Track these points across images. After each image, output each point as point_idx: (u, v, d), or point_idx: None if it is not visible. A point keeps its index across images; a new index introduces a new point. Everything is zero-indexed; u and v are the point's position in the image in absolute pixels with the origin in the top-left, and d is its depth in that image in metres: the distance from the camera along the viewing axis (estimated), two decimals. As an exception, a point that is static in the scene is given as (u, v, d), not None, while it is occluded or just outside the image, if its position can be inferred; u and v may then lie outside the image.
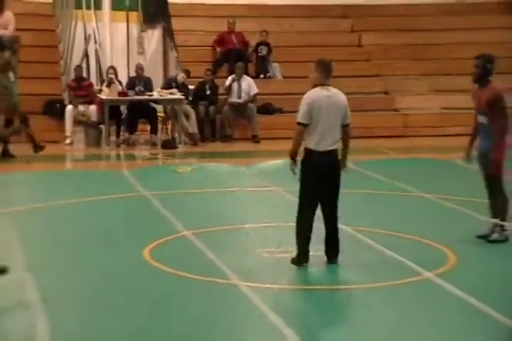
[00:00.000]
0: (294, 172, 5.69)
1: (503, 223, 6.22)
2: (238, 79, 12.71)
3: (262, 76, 13.80)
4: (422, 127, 13.24)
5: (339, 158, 5.76)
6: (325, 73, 5.68)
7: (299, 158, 5.73)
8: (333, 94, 5.69)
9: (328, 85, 5.71)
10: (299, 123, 5.68)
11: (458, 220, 7.34)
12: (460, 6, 15.18)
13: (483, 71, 6.12)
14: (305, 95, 5.73)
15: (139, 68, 12.72)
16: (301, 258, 5.75)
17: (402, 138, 13.06)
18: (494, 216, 6.30)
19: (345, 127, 5.74)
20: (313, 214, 5.72)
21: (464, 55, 14.55)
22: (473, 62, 6.15)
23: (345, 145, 5.83)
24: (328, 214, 5.78)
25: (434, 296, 5.21)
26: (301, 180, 5.72)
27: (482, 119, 6.27)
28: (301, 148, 5.75)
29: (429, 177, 9.73)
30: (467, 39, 14.74)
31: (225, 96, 12.69)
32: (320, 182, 5.67)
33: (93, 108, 12.36)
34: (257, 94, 12.84)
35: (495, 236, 6.25)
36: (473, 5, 15.20)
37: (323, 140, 5.63)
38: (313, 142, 5.65)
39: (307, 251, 5.75)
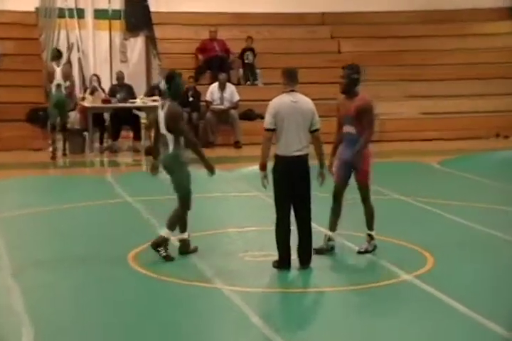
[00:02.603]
0: (265, 186, 5.68)
1: (371, 232, 6.14)
2: (221, 89, 12.77)
3: (248, 83, 13.83)
4: (398, 132, 13.34)
5: (318, 169, 5.76)
6: (289, 80, 5.76)
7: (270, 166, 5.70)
8: (299, 100, 5.72)
9: (294, 91, 5.75)
10: (265, 130, 5.71)
11: (435, 222, 7.40)
12: (436, 13, 15.33)
13: (351, 81, 6.00)
14: (271, 101, 5.78)
15: (120, 76, 12.71)
16: (282, 263, 5.76)
17: (378, 143, 13.12)
18: (331, 228, 6.17)
19: (313, 133, 5.73)
20: (288, 219, 5.73)
21: (439, 61, 14.76)
22: (341, 73, 6.01)
23: (318, 152, 5.75)
24: (300, 220, 5.78)
25: (413, 298, 5.24)
26: (274, 186, 5.73)
27: (349, 129, 6.07)
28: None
29: (406, 180, 9.81)
30: (443, 46, 14.90)
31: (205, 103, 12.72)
32: (290, 187, 5.68)
33: (76, 115, 12.33)
34: (238, 101, 12.87)
35: (364, 246, 6.12)
36: (450, 13, 15.31)
37: (290, 145, 5.66)
38: (281, 148, 5.70)
39: (288, 256, 5.76)
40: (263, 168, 5.71)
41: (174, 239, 6.26)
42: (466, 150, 11.95)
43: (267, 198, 8.32)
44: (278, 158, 5.72)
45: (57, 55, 11.69)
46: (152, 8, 14.32)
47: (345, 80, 6.05)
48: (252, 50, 13.92)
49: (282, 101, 5.70)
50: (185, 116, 12.48)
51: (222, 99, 12.76)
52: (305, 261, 5.79)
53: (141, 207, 8.02)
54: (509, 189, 8.99)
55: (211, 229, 7.04)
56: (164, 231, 6.07)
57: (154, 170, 6.33)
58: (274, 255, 5.84)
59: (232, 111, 12.73)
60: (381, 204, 8.23)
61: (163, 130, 6.06)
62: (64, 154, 11.60)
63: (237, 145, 12.63)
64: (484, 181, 9.47)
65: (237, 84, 13.66)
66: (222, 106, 12.68)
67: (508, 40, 15.12)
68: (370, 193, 6.21)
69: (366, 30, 14.99)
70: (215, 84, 12.85)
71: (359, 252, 6.14)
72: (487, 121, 13.54)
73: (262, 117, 13.75)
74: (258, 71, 13.99)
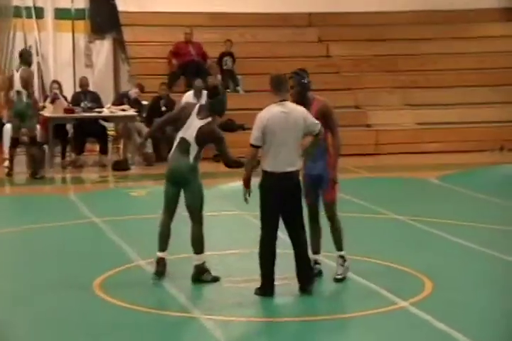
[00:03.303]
0: (247, 201, 5.78)
1: (343, 253, 6.21)
2: (197, 99, 12.86)
3: (228, 90, 13.93)
4: (395, 144, 13.50)
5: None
6: (278, 88, 5.79)
7: (255, 182, 5.80)
8: (290, 111, 5.76)
9: (285, 100, 5.80)
10: (251, 145, 5.77)
11: (433, 244, 7.52)
12: (435, 14, 15.55)
13: (303, 88, 6.06)
14: (258, 114, 5.82)
15: (84, 83, 12.76)
16: (266, 289, 5.83)
17: (374, 156, 13.31)
18: (315, 251, 6.26)
19: (315, 136, 5.82)
20: (275, 240, 5.81)
21: (439, 66, 14.98)
22: (291, 82, 6.01)
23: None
24: (294, 240, 5.88)
25: (409, 327, 5.32)
26: (260, 205, 5.81)
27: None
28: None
29: (402, 197, 9.94)
30: (442, 50, 15.12)
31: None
32: (279, 206, 5.77)
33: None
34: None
35: (340, 272, 6.18)
36: (449, 13, 15.55)
37: (280, 161, 5.72)
38: (270, 164, 5.75)
39: (272, 281, 5.84)
40: (246, 184, 5.80)
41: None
42: (467, 165, 12.12)
43: (249, 217, 8.41)
44: (266, 175, 5.78)
45: (30, 58, 11.64)
46: (120, 8, 14.44)
47: (297, 88, 6.06)
48: (231, 54, 14.06)
49: (271, 114, 5.74)
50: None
51: (199, 108, 12.83)
52: (308, 286, 5.84)
53: (108, 229, 8.06)
54: (514, 207, 9.14)
55: (187, 252, 7.09)
56: (196, 258, 6.23)
57: (144, 147, 6.38)
58: (257, 280, 5.91)
59: (210, 122, 12.83)
60: (375, 224, 8.40)
61: (189, 137, 6.09)
62: (33, 173, 11.30)
63: (216, 159, 12.72)
64: (487, 199, 9.63)
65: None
66: (199, 116, 12.77)
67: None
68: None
69: (358, 33, 15.18)
70: (191, 92, 12.95)
71: (336, 280, 6.19)
72: (491, 133, 13.72)
73: (244, 128, 14.03)
74: (239, 77, 14.13)
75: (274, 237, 5.83)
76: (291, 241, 5.90)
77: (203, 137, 6.12)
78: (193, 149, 6.14)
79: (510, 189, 10.31)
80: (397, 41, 15.16)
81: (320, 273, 6.29)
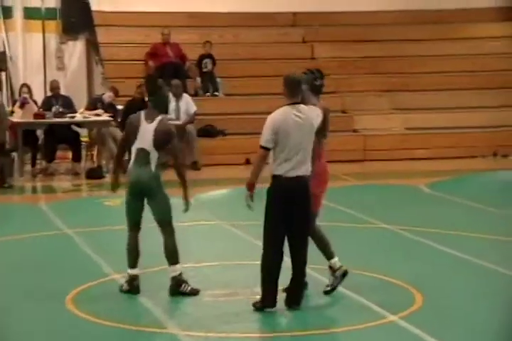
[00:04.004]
0: (250, 207, 5.72)
1: (333, 260, 6.20)
2: (176, 99, 12.86)
3: (208, 94, 13.95)
4: (383, 150, 13.57)
5: None
6: (291, 90, 5.77)
7: (260, 185, 5.75)
8: (305, 114, 5.76)
9: (298, 103, 5.79)
10: (262, 147, 5.75)
11: (424, 255, 7.56)
12: (423, 14, 15.66)
13: (311, 89, 6.11)
14: (270, 115, 5.80)
15: (55, 86, 12.72)
16: (267, 303, 5.76)
17: (361, 163, 13.36)
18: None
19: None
20: (280, 252, 5.75)
21: (428, 69, 15.08)
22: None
23: None
24: (296, 253, 5.81)
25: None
26: (266, 212, 5.76)
27: None
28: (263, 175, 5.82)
29: (390, 206, 9.99)
30: (433, 51, 15.22)
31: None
32: (288, 213, 5.73)
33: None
34: (195, 113, 12.98)
35: (330, 283, 6.19)
36: (440, 13, 15.67)
37: (293, 165, 5.71)
38: (281, 167, 5.73)
39: (274, 295, 5.76)
40: (251, 188, 5.73)
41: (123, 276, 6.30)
42: (459, 171, 12.20)
43: (230, 227, 8.43)
44: (277, 179, 5.75)
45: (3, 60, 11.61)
46: (94, 7, 14.44)
47: (305, 87, 6.07)
48: (211, 56, 14.08)
49: (285, 116, 5.72)
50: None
51: (178, 111, 12.84)
52: (297, 301, 5.83)
53: (81, 240, 8.04)
54: (507, 216, 9.20)
55: (164, 265, 7.09)
56: (173, 269, 6.23)
57: (116, 187, 6.42)
58: (238, 294, 5.92)
59: (190, 127, 12.84)
60: (363, 233, 8.44)
61: (147, 146, 6.16)
62: (2, 182, 11.19)
63: (194, 166, 12.72)
64: (479, 207, 9.69)
65: (195, 95, 13.79)
66: (178, 122, 12.76)
67: (508, 44, 15.49)
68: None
69: (344, 33, 15.26)
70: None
71: (326, 292, 6.20)
72: (483, 138, 13.82)
73: (225, 134, 14.04)
74: (219, 80, 14.16)
75: (280, 248, 5.75)
76: (291, 252, 5.83)
77: (161, 138, 6.16)
78: (153, 157, 6.18)
79: (502, 197, 10.38)
80: (385, 42, 15.25)
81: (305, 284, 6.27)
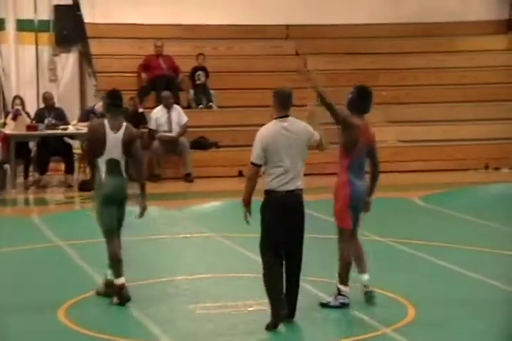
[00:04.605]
0: (248, 222, 5.72)
1: (342, 287, 6.24)
2: (167, 111, 12.90)
3: (201, 106, 13.98)
4: (377, 162, 13.58)
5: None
6: (281, 104, 5.81)
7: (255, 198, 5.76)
8: (293, 127, 5.78)
9: (287, 116, 5.82)
10: (252, 164, 5.76)
11: (417, 267, 7.59)
12: (416, 27, 15.76)
13: (347, 104, 6.40)
14: (259, 130, 5.82)
15: (48, 98, 12.72)
16: (277, 320, 5.70)
17: (353, 176, 13.34)
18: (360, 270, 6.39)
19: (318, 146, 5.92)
20: (282, 265, 5.75)
21: (422, 81, 15.15)
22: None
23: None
24: (291, 267, 5.81)
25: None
26: (262, 227, 5.76)
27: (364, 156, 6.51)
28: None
29: (384, 218, 9.98)
30: (426, 64, 15.30)
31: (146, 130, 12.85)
32: (285, 227, 5.73)
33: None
34: (187, 123, 12.99)
35: (328, 299, 6.26)
36: (434, 26, 15.74)
37: (286, 179, 5.72)
38: (275, 182, 5.73)
39: (283, 310, 5.72)
40: (247, 204, 5.74)
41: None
42: (451, 184, 12.24)
43: (223, 239, 8.44)
44: (270, 194, 5.75)
45: None
46: (87, 19, 14.47)
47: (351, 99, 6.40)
48: (204, 69, 14.14)
49: (274, 131, 5.74)
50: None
51: (170, 122, 12.87)
52: (291, 314, 5.83)
53: (74, 253, 8.04)
54: (501, 229, 9.24)
55: (156, 277, 7.10)
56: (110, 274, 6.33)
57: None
58: (231, 306, 5.93)
59: (183, 140, 12.87)
60: (356, 246, 8.44)
61: (116, 155, 6.27)
62: None
63: (187, 178, 12.74)
64: (473, 220, 9.72)
65: (188, 107, 13.83)
66: (172, 134, 12.79)
67: (502, 57, 15.57)
68: (345, 238, 6.29)
69: (337, 46, 15.34)
70: (159, 107, 12.99)
71: (321, 304, 6.23)
72: (475, 151, 13.86)
73: (218, 146, 14.05)
74: (212, 92, 14.21)
75: (281, 262, 5.75)
76: (286, 264, 5.82)
77: (129, 143, 6.31)
78: (123, 165, 6.34)
79: (495, 209, 10.41)
80: (378, 55, 15.32)
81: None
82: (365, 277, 6.31)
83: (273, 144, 5.71)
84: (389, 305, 6.36)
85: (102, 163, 6.29)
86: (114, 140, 6.26)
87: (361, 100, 6.34)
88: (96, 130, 6.35)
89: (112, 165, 6.27)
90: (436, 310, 6.23)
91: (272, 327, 5.71)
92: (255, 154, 5.74)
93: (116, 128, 6.29)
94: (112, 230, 6.40)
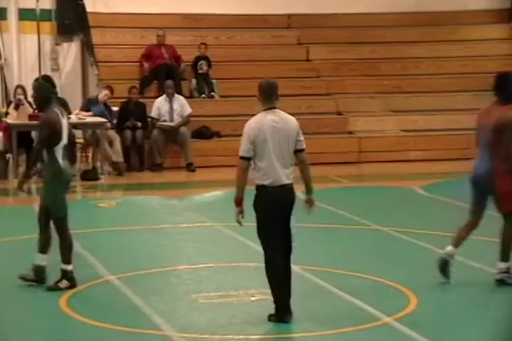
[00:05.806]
0: (240, 223, 5.65)
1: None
2: (169, 100, 12.85)
3: (203, 96, 13.93)
4: (378, 152, 13.57)
5: (306, 194, 5.76)
6: (267, 95, 5.70)
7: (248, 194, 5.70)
8: (281, 119, 5.68)
9: (274, 108, 5.72)
10: (241, 158, 5.67)
11: (419, 257, 7.57)
12: (418, 16, 15.68)
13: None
14: (247, 123, 5.74)
15: (53, 87, 12.71)
16: (281, 314, 5.64)
17: (356, 165, 13.36)
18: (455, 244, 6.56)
19: (298, 153, 5.68)
20: (282, 259, 5.68)
21: (424, 71, 15.09)
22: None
23: (306, 176, 5.69)
24: (287, 253, 5.73)
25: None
26: (258, 224, 5.69)
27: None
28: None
29: (385, 208, 9.98)
30: (428, 53, 15.23)
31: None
32: (279, 220, 5.66)
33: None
34: (190, 115, 12.97)
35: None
36: (435, 15, 15.66)
37: (275, 173, 5.61)
38: (264, 177, 5.63)
39: (288, 305, 5.65)
40: (239, 202, 5.63)
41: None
42: (454, 173, 12.19)
43: (224, 229, 8.42)
44: (261, 189, 5.65)
45: None
46: (89, 8, 14.41)
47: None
48: (206, 58, 14.08)
49: (262, 123, 5.64)
50: (128, 134, 12.75)
51: (171, 112, 12.83)
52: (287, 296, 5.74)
53: (75, 242, 7.98)
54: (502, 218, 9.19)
55: (158, 267, 7.08)
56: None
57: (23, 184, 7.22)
58: (233, 295, 5.91)
59: (184, 129, 12.83)
60: (358, 235, 8.44)
61: (67, 141, 6.61)
62: None
63: (189, 168, 12.71)
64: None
65: (190, 97, 13.78)
66: (171, 124, 12.75)
67: (504, 46, 15.51)
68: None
69: (339, 35, 15.27)
70: (162, 97, 12.95)
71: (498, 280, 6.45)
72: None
73: (220, 136, 14.00)
74: (214, 82, 14.16)
75: (281, 254, 5.67)
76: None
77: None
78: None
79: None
80: (380, 44, 15.25)
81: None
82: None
83: (261, 136, 5.61)
84: (390, 294, 6.34)
85: (59, 149, 6.50)
86: (66, 126, 6.61)
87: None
88: (57, 119, 6.57)
89: (66, 150, 6.55)
90: (437, 299, 6.22)
91: (273, 319, 5.67)
92: (243, 148, 5.65)
93: (63, 115, 6.64)
94: (66, 213, 6.60)
